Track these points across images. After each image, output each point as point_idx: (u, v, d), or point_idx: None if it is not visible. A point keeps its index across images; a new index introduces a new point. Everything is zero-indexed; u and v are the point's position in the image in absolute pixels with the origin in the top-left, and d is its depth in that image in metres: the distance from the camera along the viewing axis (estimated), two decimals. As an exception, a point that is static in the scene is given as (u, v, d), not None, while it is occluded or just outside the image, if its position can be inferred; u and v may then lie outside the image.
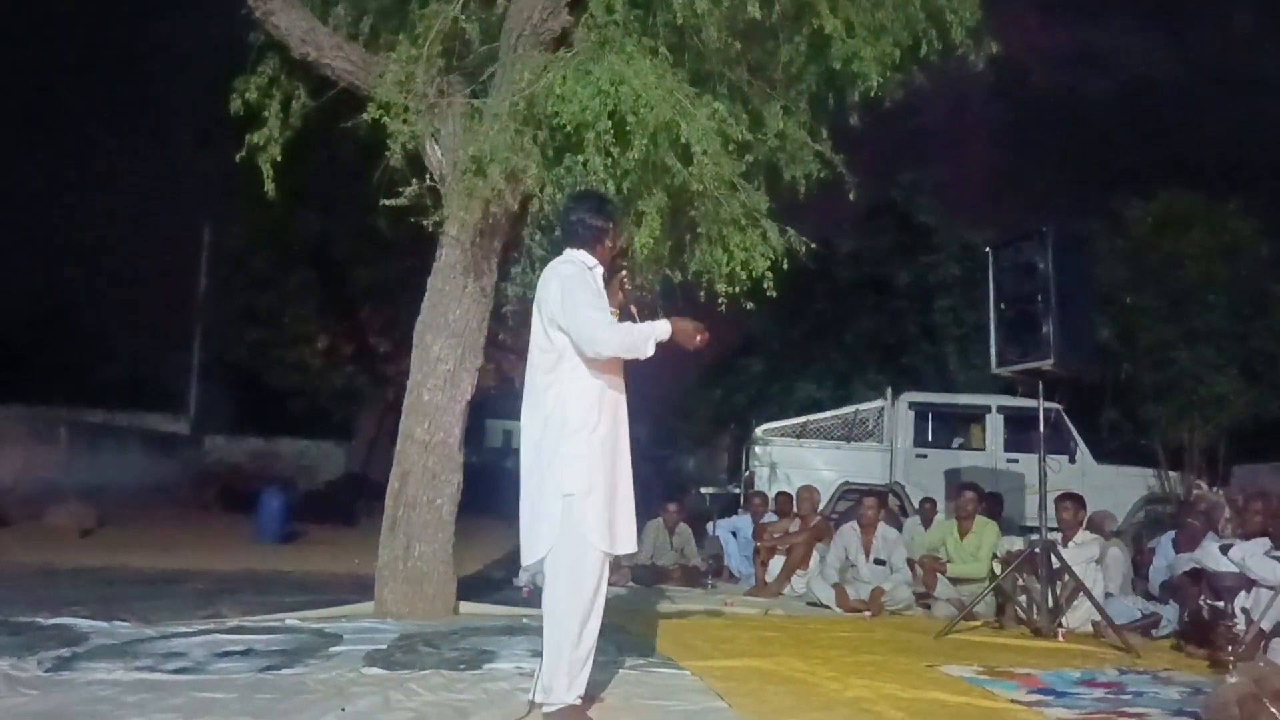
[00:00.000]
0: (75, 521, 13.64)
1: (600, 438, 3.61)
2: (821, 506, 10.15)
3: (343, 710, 3.64)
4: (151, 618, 5.81)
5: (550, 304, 3.66)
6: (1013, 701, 4.30)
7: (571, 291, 3.63)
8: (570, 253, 3.88)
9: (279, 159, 6.83)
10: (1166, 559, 7.27)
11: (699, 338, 3.66)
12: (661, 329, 3.61)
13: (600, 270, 3.88)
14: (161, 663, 4.47)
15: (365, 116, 6.04)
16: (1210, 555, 5.84)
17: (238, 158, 6.87)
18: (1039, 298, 6.51)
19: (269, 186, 6.82)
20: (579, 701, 3.55)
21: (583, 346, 3.58)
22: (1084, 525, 7.17)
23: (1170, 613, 6.65)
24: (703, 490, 14.91)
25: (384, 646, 5.03)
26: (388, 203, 6.15)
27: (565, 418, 3.59)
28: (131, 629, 5.40)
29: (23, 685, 3.91)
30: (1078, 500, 7.15)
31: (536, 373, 3.70)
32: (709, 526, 10.98)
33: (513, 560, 9.21)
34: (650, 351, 3.61)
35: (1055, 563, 6.48)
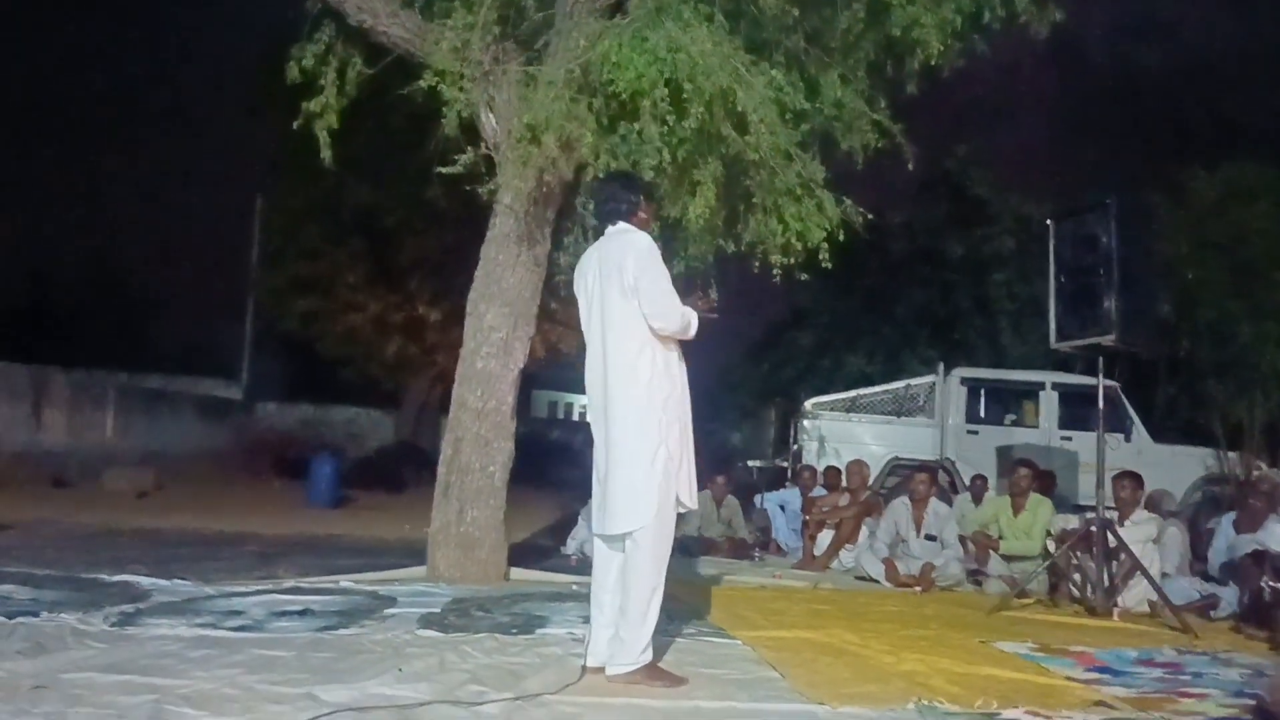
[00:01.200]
0: (133, 484, 13.97)
1: (678, 400, 3.83)
2: (871, 481, 10.08)
3: (400, 670, 3.69)
4: (210, 577, 5.94)
5: (628, 274, 3.76)
6: (1069, 679, 4.24)
7: (649, 266, 3.78)
8: (623, 225, 3.95)
9: (335, 127, 6.85)
10: (1227, 539, 7.13)
11: (702, 305, 3.92)
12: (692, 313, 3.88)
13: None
14: (222, 620, 4.56)
15: (421, 84, 6.04)
16: (1274, 536, 5.73)
17: (294, 126, 6.90)
18: (1101, 271, 6.35)
19: (325, 154, 6.84)
20: (654, 659, 3.75)
21: (654, 320, 3.75)
22: (1141, 504, 7.04)
23: (1229, 594, 6.52)
24: (749, 463, 14.88)
25: (437, 610, 5.10)
26: (442, 170, 6.16)
27: (658, 384, 3.76)
28: (191, 587, 5.52)
29: (90, 639, 4.02)
30: (1136, 479, 7.02)
31: (623, 342, 3.78)
32: (756, 499, 10.96)
33: (560, 528, 9.29)
34: (693, 327, 3.87)
35: (1112, 541, 6.38)
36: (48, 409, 15.26)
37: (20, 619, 4.27)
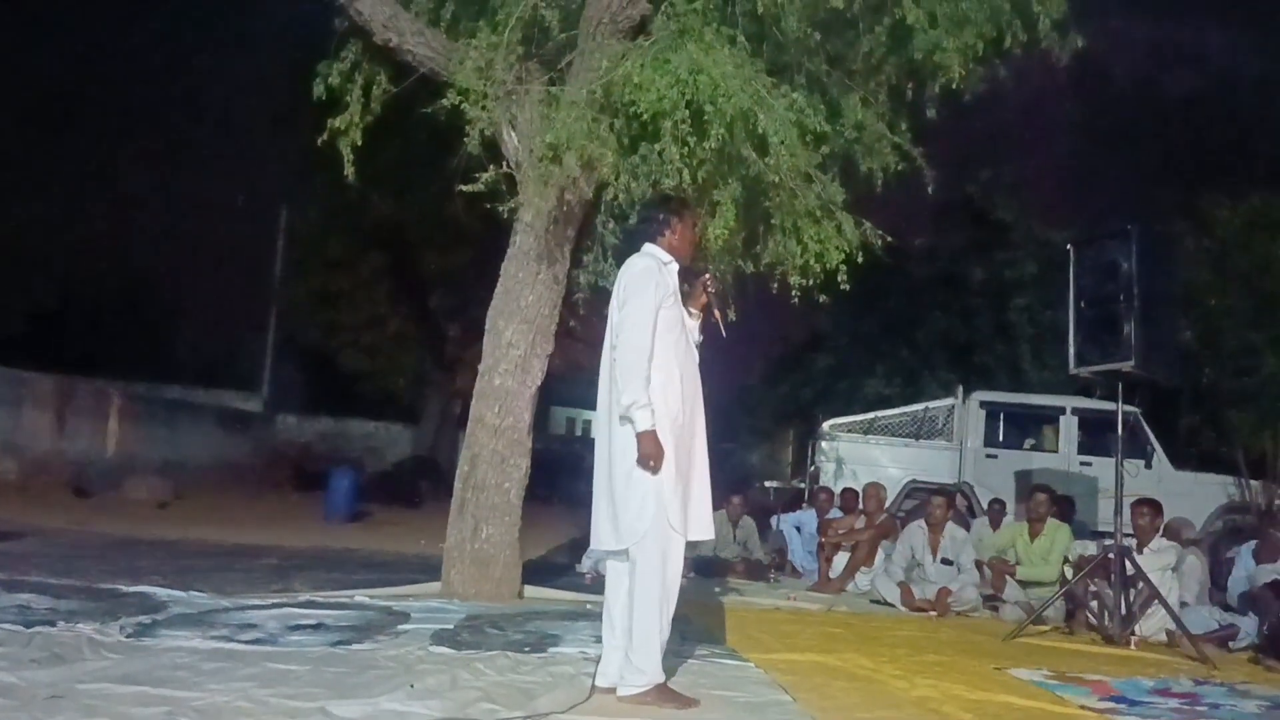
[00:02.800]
0: (153, 494, 14.08)
1: (680, 425, 3.74)
2: (888, 504, 10.03)
3: (412, 687, 3.70)
4: (226, 589, 5.97)
5: (621, 296, 3.80)
6: (1083, 708, 4.20)
7: (636, 291, 3.77)
8: (648, 247, 3.97)
9: (359, 143, 6.91)
10: (1246, 569, 7.06)
11: (650, 464, 3.62)
12: (646, 420, 3.61)
13: (675, 266, 3.94)
14: (237, 633, 4.58)
15: (444, 102, 6.09)
16: (1294, 567, 5.66)
17: (319, 141, 6.97)
18: (1121, 298, 6.34)
19: (349, 170, 6.90)
20: (664, 680, 3.71)
21: (616, 342, 3.72)
22: (1161, 532, 6.99)
23: (1249, 624, 6.45)
24: (766, 484, 14.85)
25: (451, 626, 5.10)
26: (464, 188, 6.20)
27: (658, 410, 3.68)
28: (207, 599, 5.55)
29: (106, 649, 4.04)
30: (1155, 506, 6.97)
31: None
32: (772, 520, 10.93)
33: (575, 546, 9.29)
34: (632, 415, 3.62)
35: (1130, 569, 6.33)
36: (71, 418, 15.40)
37: (38, 628, 4.29)
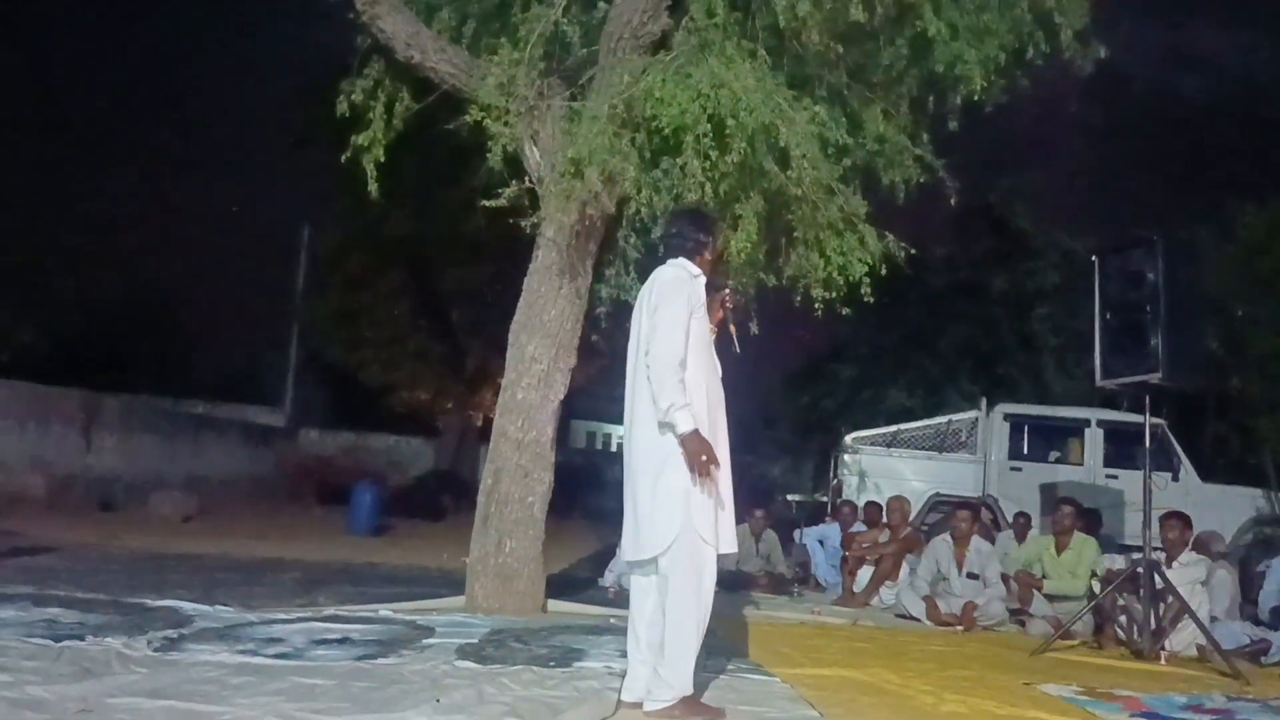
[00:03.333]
0: (178, 509, 14.15)
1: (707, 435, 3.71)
2: (911, 517, 9.97)
3: (438, 701, 3.70)
4: (252, 603, 6.00)
5: (652, 303, 3.78)
6: (1115, 724, 4.17)
7: (669, 299, 3.76)
8: (679, 260, 3.97)
9: (381, 160, 6.95)
10: (1278, 583, 6.97)
11: (703, 460, 3.61)
12: (687, 421, 3.60)
13: (703, 280, 3.94)
14: (263, 647, 4.60)
15: (467, 118, 6.14)
16: (1327, 580, 5.58)
17: (342, 159, 7.02)
18: (1147, 308, 6.29)
19: (372, 187, 6.94)
20: (692, 693, 3.70)
21: (649, 356, 3.69)
22: (1190, 545, 6.91)
23: (1281, 639, 6.37)
24: (789, 497, 14.79)
25: (475, 641, 5.10)
26: (487, 204, 6.23)
27: None
28: (233, 614, 5.57)
29: (134, 664, 4.07)
30: (1184, 519, 6.90)
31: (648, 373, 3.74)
32: (795, 534, 10.88)
33: (598, 560, 9.27)
34: (672, 418, 3.60)
35: (1159, 583, 6.26)
36: (97, 433, 15.52)
37: (67, 642, 4.33)
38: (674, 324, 3.71)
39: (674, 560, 3.64)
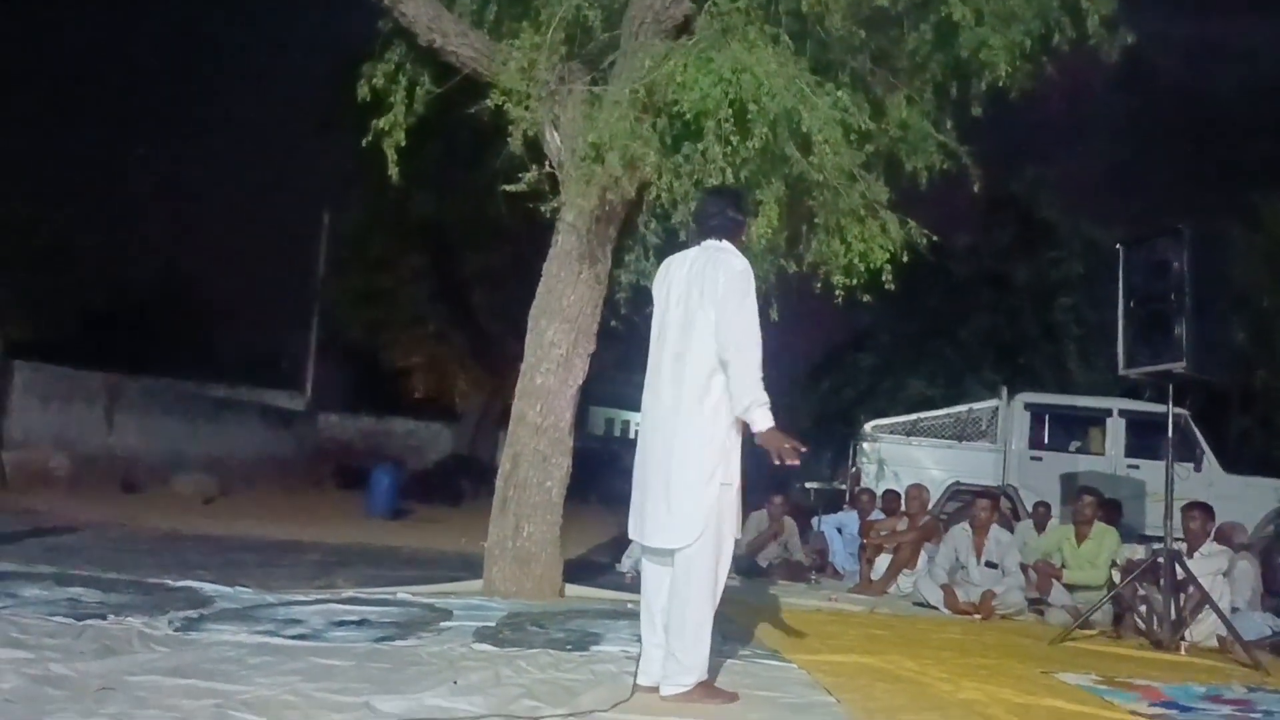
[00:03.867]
0: (199, 490, 14.31)
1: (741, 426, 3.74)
2: (930, 506, 9.93)
3: (455, 683, 3.71)
4: (271, 585, 6.04)
5: (719, 290, 3.70)
6: (1133, 713, 4.12)
7: (744, 291, 3.72)
8: (727, 244, 3.93)
9: (403, 144, 6.95)
10: (1300, 575, 6.91)
11: (786, 448, 3.62)
12: (767, 418, 3.63)
13: None
14: (281, 628, 4.62)
15: (488, 103, 6.13)
16: (1351, 573, 5.52)
17: (364, 142, 7.02)
18: (1172, 297, 6.23)
19: (393, 171, 6.94)
20: (709, 677, 3.74)
21: (726, 349, 3.65)
22: (1212, 536, 6.86)
23: (1303, 631, 6.32)
24: (806, 485, 14.75)
25: (492, 624, 5.12)
26: (507, 188, 6.22)
27: (724, 408, 3.69)
28: (252, 595, 5.61)
29: (155, 643, 4.10)
30: (1206, 510, 6.84)
31: (701, 357, 3.72)
32: (813, 521, 10.86)
33: (615, 546, 9.29)
34: (753, 415, 3.63)
35: (1180, 574, 6.22)
36: (119, 415, 15.66)
37: (89, 621, 4.37)
38: (755, 317, 3.70)
39: (701, 549, 3.65)
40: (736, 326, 3.65)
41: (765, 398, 3.62)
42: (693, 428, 3.70)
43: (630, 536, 3.99)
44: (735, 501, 3.74)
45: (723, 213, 3.97)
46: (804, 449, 3.68)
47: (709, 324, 3.70)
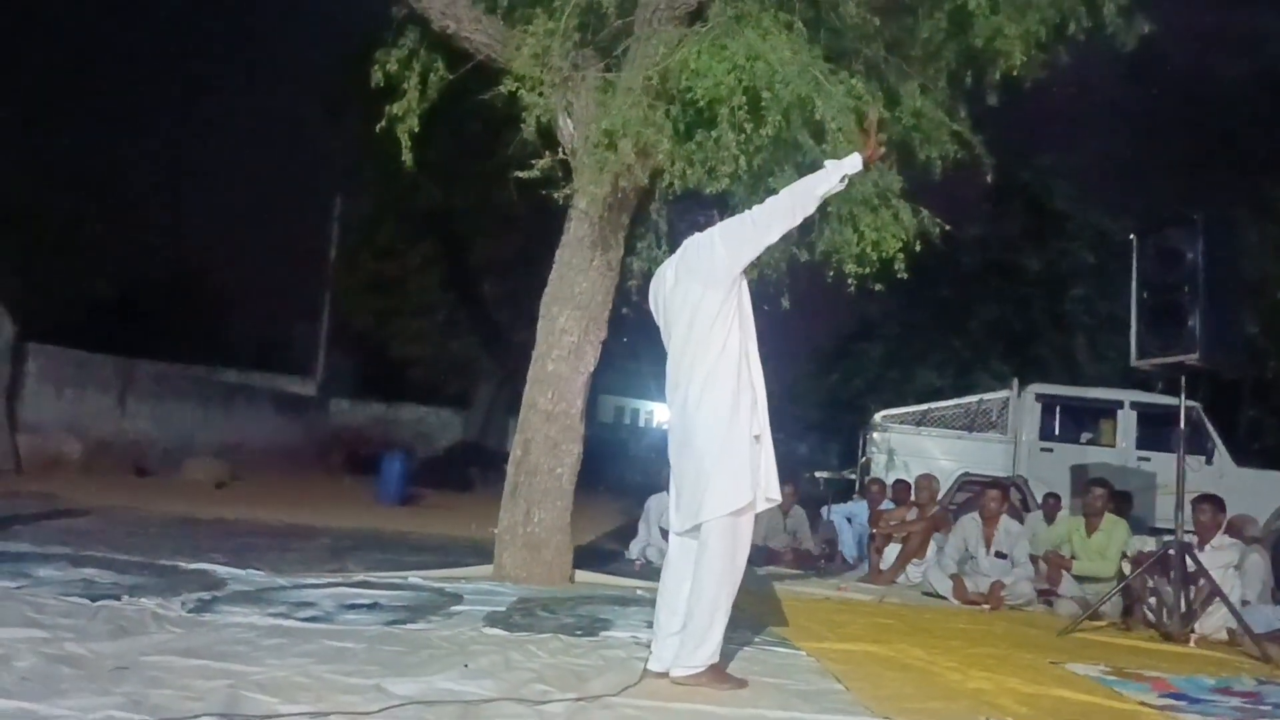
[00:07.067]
0: (210, 475, 14.36)
1: (760, 403, 3.85)
2: (940, 496, 9.93)
3: (466, 666, 3.74)
4: (283, 568, 6.07)
5: (701, 262, 3.84)
6: (1142, 704, 4.13)
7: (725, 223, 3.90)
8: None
9: (416, 130, 6.95)
10: (1312, 568, 6.89)
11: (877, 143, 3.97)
12: (838, 166, 3.87)
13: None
14: (293, 611, 4.66)
15: (501, 89, 6.12)
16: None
17: (377, 129, 7.01)
18: (1185, 288, 6.20)
19: (406, 157, 6.94)
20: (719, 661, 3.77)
21: (757, 237, 3.80)
22: (1223, 529, 6.84)
23: (1314, 624, 6.30)
24: (816, 475, 14.75)
25: (503, 609, 5.15)
26: (519, 175, 6.21)
27: (744, 387, 3.76)
28: (265, 577, 5.64)
29: (169, 624, 4.13)
30: (1217, 503, 6.82)
31: (709, 337, 3.77)
32: (823, 511, 10.87)
33: (624, 533, 9.31)
34: (832, 180, 3.87)
35: (1190, 566, 6.21)
36: (132, 400, 15.73)
37: (103, 602, 4.40)
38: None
39: (717, 529, 3.68)
40: (741, 216, 3.87)
41: (815, 176, 3.89)
42: (707, 408, 3.74)
43: (673, 531, 3.98)
44: (752, 477, 3.74)
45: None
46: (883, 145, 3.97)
47: (710, 307, 3.76)
